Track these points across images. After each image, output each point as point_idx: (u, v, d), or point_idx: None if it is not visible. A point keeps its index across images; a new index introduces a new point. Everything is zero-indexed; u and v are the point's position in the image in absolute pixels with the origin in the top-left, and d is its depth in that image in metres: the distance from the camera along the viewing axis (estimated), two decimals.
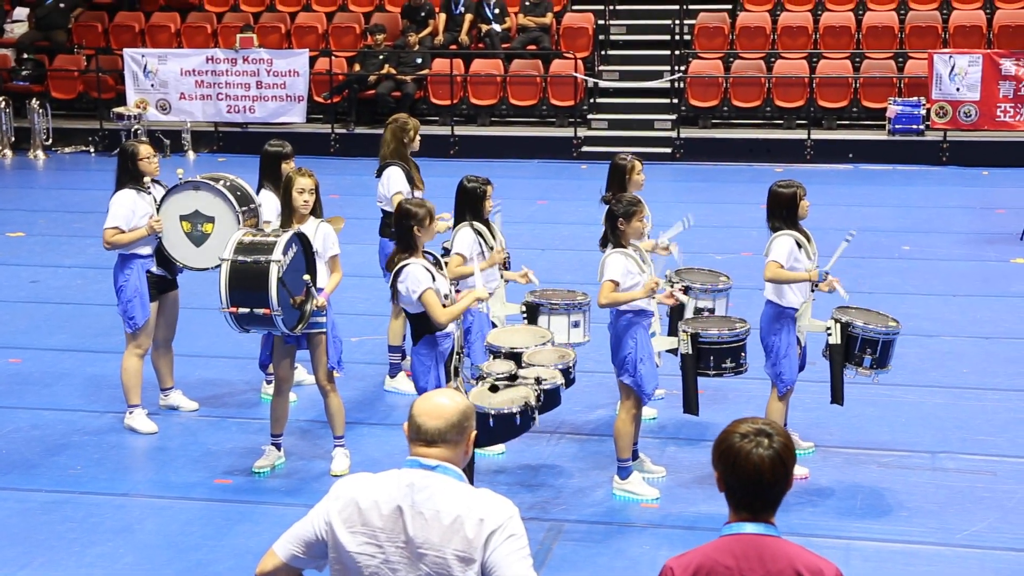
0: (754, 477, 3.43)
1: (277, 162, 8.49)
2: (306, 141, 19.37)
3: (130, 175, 8.24)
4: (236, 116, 20.09)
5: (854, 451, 7.97)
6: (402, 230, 6.92)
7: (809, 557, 3.46)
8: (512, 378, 6.86)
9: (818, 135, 19.00)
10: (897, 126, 18.66)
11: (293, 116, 19.95)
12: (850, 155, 18.70)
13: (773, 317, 7.56)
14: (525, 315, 8.03)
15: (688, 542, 6.03)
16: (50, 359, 9.96)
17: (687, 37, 20.35)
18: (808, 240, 7.55)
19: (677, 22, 20.15)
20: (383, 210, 9.20)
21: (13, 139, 20.42)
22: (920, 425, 8.39)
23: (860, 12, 20.34)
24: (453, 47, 20.63)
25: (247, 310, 7.06)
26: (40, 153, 20.17)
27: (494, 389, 6.74)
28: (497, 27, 20.50)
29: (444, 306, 6.80)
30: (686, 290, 8.10)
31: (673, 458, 7.88)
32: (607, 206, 7.34)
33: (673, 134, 19.11)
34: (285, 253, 7.07)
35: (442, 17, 20.80)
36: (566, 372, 7.09)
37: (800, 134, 19.05)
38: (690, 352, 7.43)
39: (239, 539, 6.92)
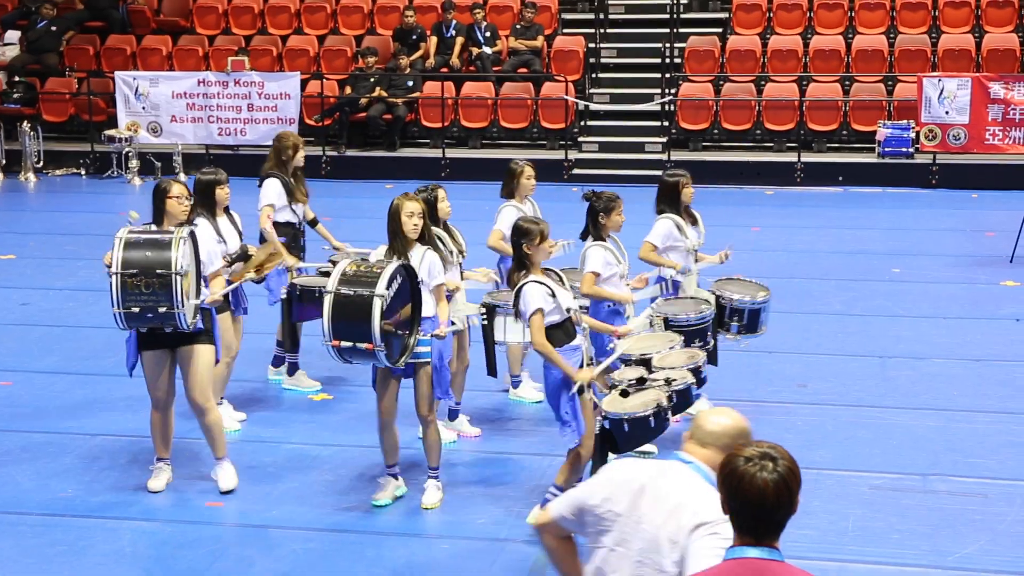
0: (758, 501, 3.41)
1: (211, 189, 8.46)
2: None
3: (155, 212, 7.67)
4: (227, 139, 20.13)
5: (845, 473, 7.96)
6: (515, 247, 7.05)
7: None
8: (641, 382, 7.07)
9: (808, 158, 19.08)
10: (887, 149, 18.75)
11: None
12: (840, 178, 18.78)
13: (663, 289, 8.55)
14: (484, 315, 8.37)
15: None
16: (41, 381, 9.94)
17: (677, 60, 20.43)
18: (694, 222, 8.75)
19: (667, 45, 20.23)
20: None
21: (4, 162, 20.44)
22: (911, 447, 8.39)
23: (850, 36, 20.44)
24: (444, 70, 20.68)
25: (350, 344, 6.91)
26: (31, 175, 20.17)
27: (624, 394, 6.94)
28: (488, 50, 20.55)
29: (567, 321, 6.95)
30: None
31: None
32: (588, 202, 7.92)
33: (664, 156, 19.16)
34: (389, 287, 6.88)
35: (433, 40, 20.86)
36: (696, 371, 7.40)
37: (790, 157, 19.12)
38: None
39: (230, 563, 6.89)
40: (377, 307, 6.79)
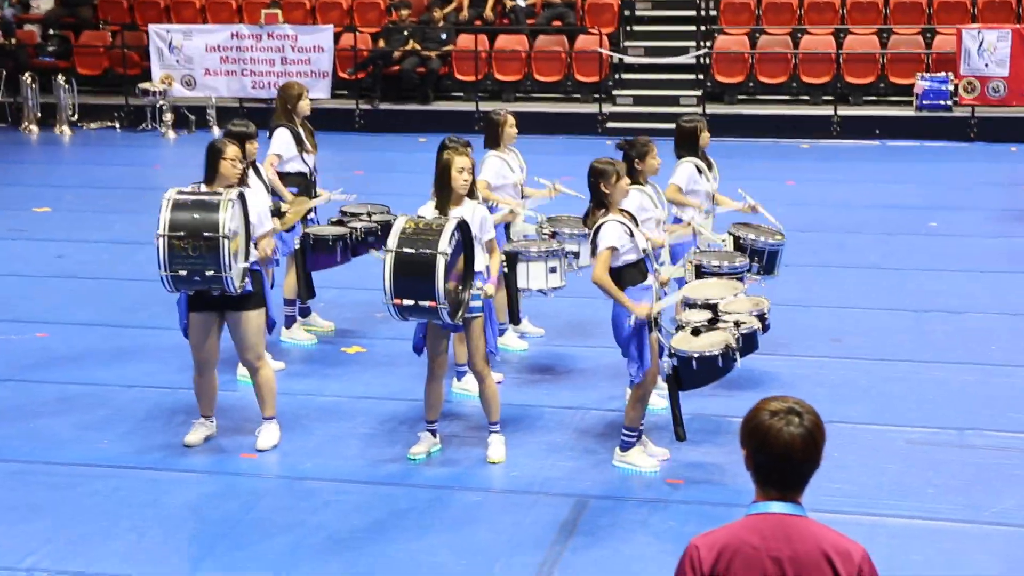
0: (784, 455, 3.39)
1: (241, 143, 8.09)
2: (331, 117, 19.38)
3: (207, 171, 7.49)
4: (261, 92, 20.11)
5: (881, 428, 7.93)
6: (592, 188, 7.12)
7: (836, 538, 3.43)
8: (713, 322, 7.37)
9: (845, 111, 18.91)
10: (925, 102, 18.54)
11: (318, 92, 19.89)
12: (877, 131, 18.61)
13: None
14: (505, 263, 8.40)
15: (714, 519, 6.03)
16: (76, 333, 10.00)
17: (713, 13, 20.26)
18: (709, 167, 8.94)
19: None
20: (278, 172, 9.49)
21: (39, 115, 20.50)
22: (948, 402, 8.34)
23: None
24: (478, 23, 20.58)
25: (412, 302, 6.91)
26: (66, 129, 20.25)
27: (696, 333, 7.23)
28: (522, 3, 20.43)
29: (641, 260, 7.05)
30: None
31: (699, 434, 7.83)
32: (622, 152, 7.99)
33: (699, 110, 19.00)
34: (450, 244, 6.89)
35: None
36: (761, 318, 7.73)
37: (827, 110, 18.95)
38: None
39: (264, 513, 6.93)
40: (441, 265, 6.82)
